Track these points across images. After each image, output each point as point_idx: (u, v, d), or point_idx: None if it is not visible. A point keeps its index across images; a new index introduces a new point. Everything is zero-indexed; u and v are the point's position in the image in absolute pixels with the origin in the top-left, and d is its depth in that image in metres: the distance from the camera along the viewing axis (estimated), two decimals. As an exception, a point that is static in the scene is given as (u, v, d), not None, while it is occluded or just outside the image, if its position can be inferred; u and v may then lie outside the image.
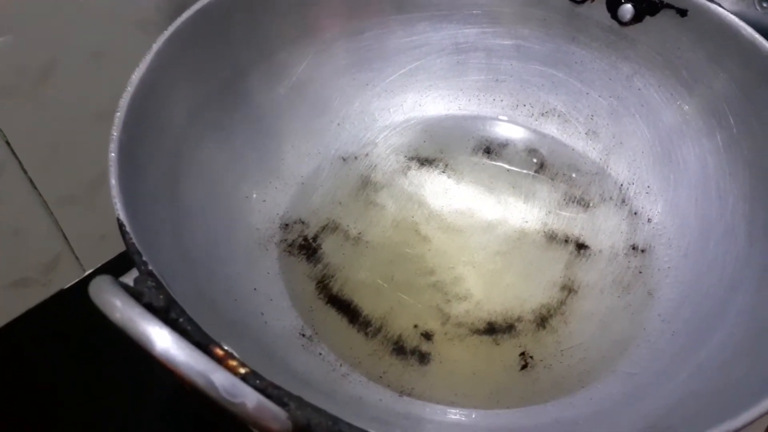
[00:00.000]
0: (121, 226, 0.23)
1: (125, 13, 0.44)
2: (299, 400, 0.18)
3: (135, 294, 0.18)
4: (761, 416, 0.20)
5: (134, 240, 0.22)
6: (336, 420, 0.18)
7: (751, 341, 0.25)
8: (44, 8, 0.40)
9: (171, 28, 0.30)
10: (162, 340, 0.16)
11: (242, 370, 0.18)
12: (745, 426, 0.19)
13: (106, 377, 0.49)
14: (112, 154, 0.25)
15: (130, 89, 0.27)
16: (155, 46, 0.29)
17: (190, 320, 0.19)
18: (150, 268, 0.21)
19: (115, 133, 0.26)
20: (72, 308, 0.53)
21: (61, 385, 0.48)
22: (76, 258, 0.53)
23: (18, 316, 0.51)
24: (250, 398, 0.16)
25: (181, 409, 0.45)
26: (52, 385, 0.49)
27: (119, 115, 0.26)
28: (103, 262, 0.54)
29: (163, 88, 0.29)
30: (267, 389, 0.17)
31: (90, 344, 0.50)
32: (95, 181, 0.50)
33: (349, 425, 0.18)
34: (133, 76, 0.28)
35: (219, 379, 0.15)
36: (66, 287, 0.53)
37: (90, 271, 0.54)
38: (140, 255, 0.22)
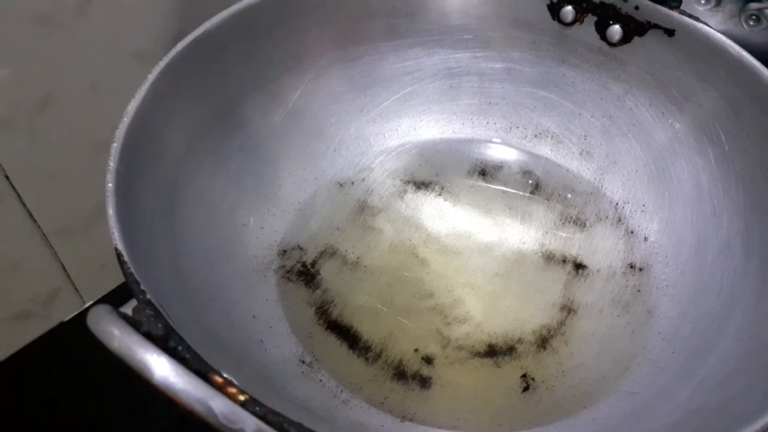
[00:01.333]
0: (119, 255, 0.23)
1: (123, 44, 0.44)
2: (299, 427, 0.18)
3: (133, 323, 0.18)
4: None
5: (132, 269, 0.22)
6: (337, 446, 0.18)
7: (751, 356, 0.25)
8: (41, 40, 0.40)
9: (166, 59, 0.30)
10: (160, 368, 0.16)
11: (241, 397, 0.18)
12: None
13: (107, 408, 0.48)
14: (109, 185, 0.25)
15: (126, 120, 0.28)
16: (150, 77, 0.29)
17: (188, 348, 0.19)
18: (148, 297, 0.21)
19: (112, 163, 0.26)
20: (73, 340, 0.52)
21: (62, 417, 0.48)
22: (76, 290, 0.53)
23: (19, 349, 0.50)
24: (249, 424, 0.16)
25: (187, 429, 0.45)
26: (53, 417, 0.48)
27: (116, 146, 0.26)
28: (104, 293, 0.54)
29: (159, 117, 0.29)
30: (266, 416, 0.17)
31: (91, 376, 0.50)
32: (93, 212, 0.50)
33: (350, 451, 0.18)
34: (129, 107, 0.28)
35: (218, 406, 0.15)
36: (66, 319, 0.53)
37: (90, 302, 0.54)
38: (138, 284, 0.22)
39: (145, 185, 0.27)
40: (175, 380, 0.15)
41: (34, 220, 0.46)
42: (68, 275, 0.51)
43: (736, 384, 0.24)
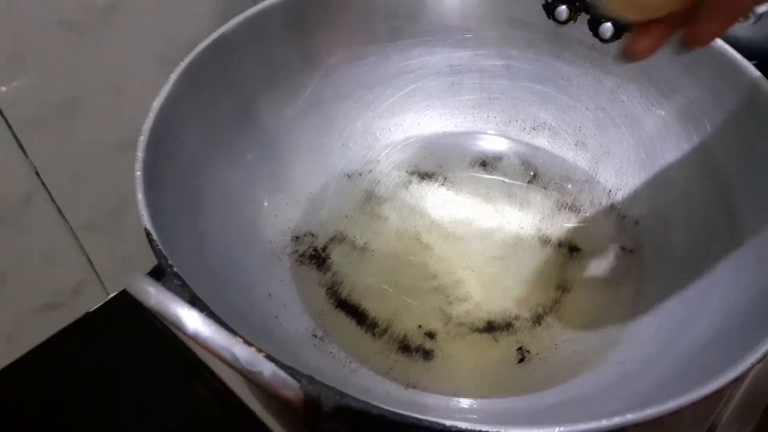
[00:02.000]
0: (148, 234, 0.25)
1: (144, 50, 0.47)
2: (310, 378, 0.21)
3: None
4: (726, 385, 0.22)
5: (160, 246, 0.25)
6: (343, 394, 0.21)
7: (729, 326, 0.27)
8: (68, 46, 0.43)
9: (186, 60, 0.33)
10: (191, 320, 0.18)
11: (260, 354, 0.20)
12: (710, 394, 0.21)
13: (127, 394, 0.51)
14: (138, 173, 0.28)
15: (152, 115, 0.30)
16: (173, 77, 0.32)
17: (212, 314, 0.22)
18: (175, 269, 0.24)
19: (140, 154, 0.28)
20: (97, 330, 0.55)
21: (86, 402, 0.51)
22: (101, 282, 0.56)
23: (49, 338, 0.53)
24: (266, 368, 0.18)
25: (201, 417, 0.47)
26: (78, 402, 0.51)
27: (143, 138, 0.29)
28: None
29: (181, 113, 0.32)
30: (281, 367, 0.20)
31: (114, 364, 0.53)
32: (118, 208, 0.53)
33: (355, 398, 0.20)
34: (154, 104, 0.31)
35: (240, 352, 0.18)
36: (91, 310, 0.56)
37: (113, 294, 0.57)
38: (166, 258, 0.24)
39: (169, 174, 0.30)
40: (204, 329, 0.18)
41: (63, 216, 0.49)
42: (93, 268, 0.54)
43: (714, 351, 0.26)
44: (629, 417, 0.21)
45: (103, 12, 0.44)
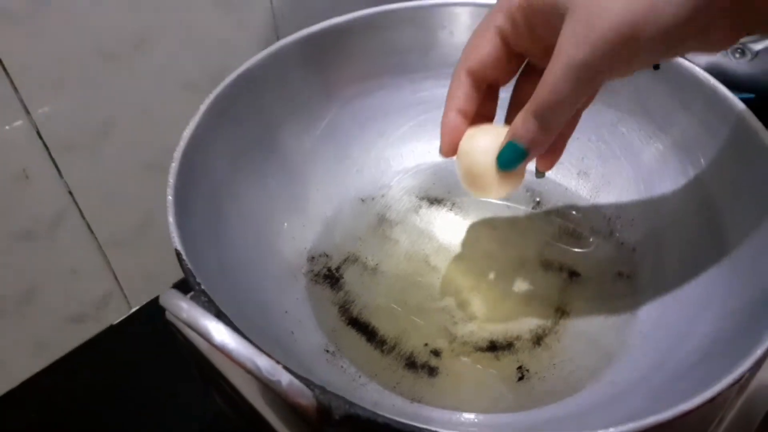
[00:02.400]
0: (178, 254, 0.28)
1: (173, 77, 0.51)
2: (322, 388, 0.23)
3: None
4: (707, 401, 0.24)
5: (190, 266, 0.27)
6: (352, 404, 0.23)
7: (713, 349, 0.29)
8: (104, 74, 0.46)
9: (214, 92, 0.35)
10: (219, 333, 0.20)
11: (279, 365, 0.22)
12: (696, 408, 0.23)
13: (147, 403, 0.53)
14: (169, 197, 0.30)
15: (182, 144, 0.33)
16: (202, 107, 0.35)
17: (236, 328, 0.24)
18: (203, 287, 0.26)
19: (171, 179, 0.31)
20: (120, 342, 0.58)
21: (111, 408, 0.53)
22: (125, 296, 0.58)
23: (75, 348, 0.56)
24: (284, 377, 0.20)
25: (219, 426, 0.50)
26: (103, 408, 0.53)
27: (174, 165, 0.32)
28: (148, 299, 0.60)
29: (208, 141, 0.34)
30: (297, 378, 0.22)
31: (137, 373, 0.55)
32: (143, 226, 0.56)
33: (363, 408, 0.23)
34: (185, 133, 0.33)
35: (262, 362, 0.20)
36: (115, 323, 0.58)
37: (136, 307, 0.60)
38: (194, 277, 0.27)
39: (197, 198, 0.32)
40: (230, 341, 0.20)
41: (92, 232, 0.52)
42: (118, 282, 0.57)
43: (699, 371, 0.28)
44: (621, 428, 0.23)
45: (136, 43, 0.47)
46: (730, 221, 0.34)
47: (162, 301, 0.22)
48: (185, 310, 0.21)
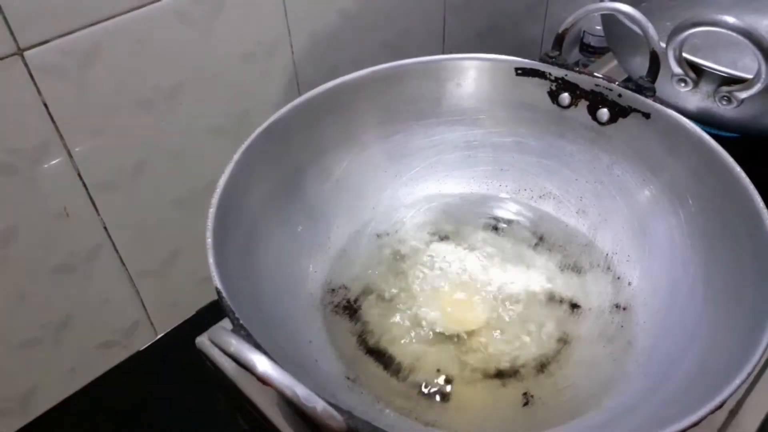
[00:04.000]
0: (218, 293, 0.31)
1: (201, 122, 0.55)
2: (350, 413, 0.26)
3: (237, 338, 0.26)
4: (695, 424, 0.27)
5: (230, 303, 0.31)
6: (376, 429, 0.26)
7: (701, 377, 0.32)
8: (140, 120, 0.50)
9: (247, 142, 0.39)
10: (262, 364, 0.24)
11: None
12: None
13: (172, 426, 0.56)
14: (209, 240, 0.34)
15: (219, 190, 0.36)
16: (235, 156, 0.38)
17: (273, 360, 0.27)
18: (241, 322, 0.30)
19: (210, 224, 0.34)
20: (146, 367, 0.61)
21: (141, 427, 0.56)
22: (151, 323, 0.62)
23: (103, 373, 0.59)
24: (319, 404, 0.23)
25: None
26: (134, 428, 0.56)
27: (212, 211, 0.35)
28: (173, 326, 0.63)
29: (241, 187, 0.38)
30: (329, 404, 0.25)
31: (160, 400, 0.58)
32: (170, 258, 0.59)
33: None
34: (220, 181, 0.37)
35: (300, 391, 0.23)
36: (142, 349, 0.62)
37: (161, 334, 0.63)
38: (233, 313, 0.30)
39: (231, 239, 0.36)
40: (272, 372, 0.23)
41: (124, 264, 0.56)
42: (146, 310, 0.61)
43: (688, 397, 0.31)
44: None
45: (170, 92, 0.51)
46: (716, 259, 0.37)
47: (212, 337, 0.25)
48: (233, 345, 0.24)
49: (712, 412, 0.28)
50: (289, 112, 0.41)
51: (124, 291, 0.58)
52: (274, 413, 0.40)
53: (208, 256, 0.33)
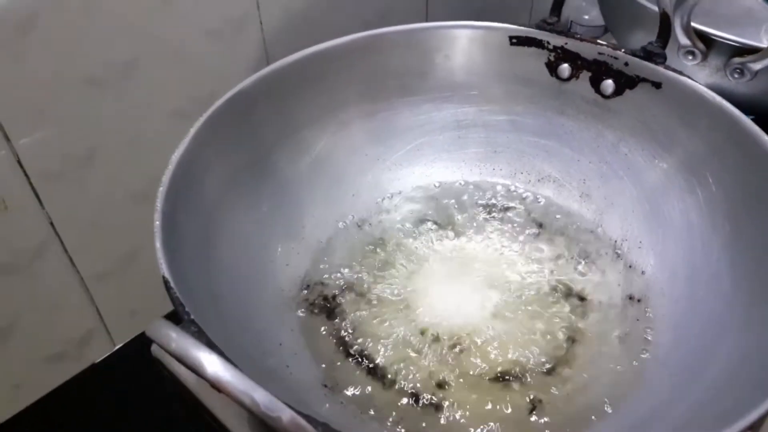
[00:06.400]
0: (166, 282, 0.26)
1: (161, 104, 0.49)
2: (326, 426, 0.21)
3: (184, 334, 0.21)
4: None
5: (178, 294, 0.25)
6: (359, 442, 0.21)
7: (739, 375, 0.27)
8: (88, 100, 0.45)
9: (205, 115, 0.34)
10: (212, 364, 0.18)
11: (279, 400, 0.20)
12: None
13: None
14: (157, 223, 0.28)
15: (171, 167, 0.31)
16: (192, 130, 0.33)
17: (230, 360, 0.22)
18: (192, 317, 0.24)
19: (159, 204, 0.29)
20: (103, 382, 0.55)
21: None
22: (108, 332, 0.56)
23: (53, 389, 0.53)
24: (285, 414, 0.18)
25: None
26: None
27: (162, 189, 0.30)
28: (132, 336, 0.57)
29: (199, 165, 0.33)
30: (300, 414, 0.20)
31: (120, 416, 0.52)
32: (127, 259, 0.53)
33: (371, 447, 0.21)
34: (173, 156, 0.32)
35: (260, 397, 0.18)
36: (97, 361, 0.56)
37: (120, 345, 0.57)
38: (183, 306, 0.25)
39: (186, 224, 0.31)
40: (224, 374, 0.18)
41: (74, 265, 0.50)
42: (101, 318, 0.55)
43: (724, 401, 0.26)
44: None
45: (124, 68, 0.46)
46: (742, 244, 0.33)
47: (149, 332, 0.20)
48: (174, 340, 0.19)
49: (763, 418, 0.23)
50: (256, 84, 0.36)
51: (75, 296, 0.52)
52: (238, 428, 0.34)
53: (155, 240, 0.27)
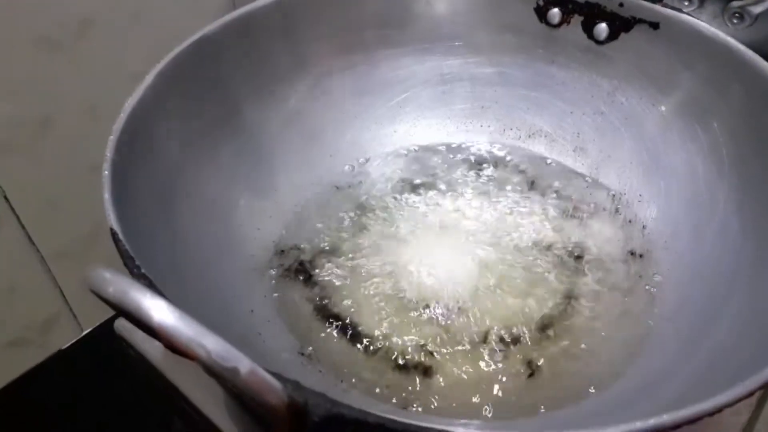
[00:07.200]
0: (114, 234, 0.23)
1: (119, 67, 0.46)
2: (296, 383, 0.18)
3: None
4: (750, 393, 0.19)
5: (126, 246, 0.22)
6: (334, 402, 0.18)
7: (751, 331, 0.25)
8: (41, 64, 0.41)
9: (166, 59, 0.31)
10: (157, 309, 0.15)
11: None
12: (733, 403, 0.19)
13: None
14: (105, 173, 0.25)
15: (123, 115, 0.28)
16: (148, 78, 0.30)
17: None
18: (143, 270, 0.21)
19: (108, 154, 0.26)
20: (71, 370, 0.52)
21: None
22: (74, 316, 0.52)
23: (15, 379, 0.50)
24: (243, 364, 0.15)
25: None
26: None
27: (112, 138, 0.27)
28: (103, 320, 0.54)
29: (156, 116, 0.30)
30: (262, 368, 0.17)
31: (90, 407, 0.49)
32: (92, 235, 0.50)
33: (349, 407, 0.18)
34: (127, 104, 0.29)
35: (212, 344, 0.15)
36: (64, 347, 0.52)
37: (89, 330, 0.53)
38: (132, 259, 0.22)
39: (141, 178, 0.28)
40: (170, 319, 0.15)
41: (33, 243, 0.47)
42: (66, 301, 0.51)
43: (736, 358, 0.24)
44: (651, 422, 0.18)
45: (78, 28, 0.42)
46: (752, 192, 0.30)
47: (87, 278, 0.17)
48: (112, 282, 0.16)
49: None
50: (223, 29, 0.33)
51: (35, 277, 0.48)
52: (214, 411, 0.31)
53: (103, 191, 0.24)
